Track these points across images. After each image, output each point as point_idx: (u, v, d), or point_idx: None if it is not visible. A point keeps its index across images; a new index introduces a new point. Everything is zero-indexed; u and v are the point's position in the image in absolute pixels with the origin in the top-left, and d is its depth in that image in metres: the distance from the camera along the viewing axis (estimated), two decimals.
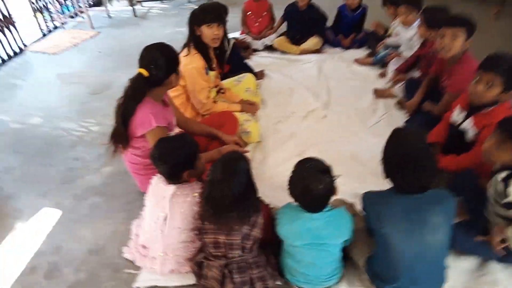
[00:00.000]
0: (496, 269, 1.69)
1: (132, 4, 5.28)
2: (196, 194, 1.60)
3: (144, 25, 5.01)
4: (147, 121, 1.85)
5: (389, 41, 3.43)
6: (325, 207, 1.52)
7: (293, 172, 1.51)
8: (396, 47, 3.36)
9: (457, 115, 2.04)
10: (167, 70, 1.89)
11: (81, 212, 2.23)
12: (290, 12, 3.84)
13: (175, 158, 1.58)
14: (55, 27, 4.98)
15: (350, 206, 1.86)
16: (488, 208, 1.60)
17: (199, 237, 1.57)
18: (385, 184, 1.85)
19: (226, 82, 2.94)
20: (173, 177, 1.63)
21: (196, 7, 2.50)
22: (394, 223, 1.39)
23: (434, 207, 1.38)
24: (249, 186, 1.50)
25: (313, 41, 3.84)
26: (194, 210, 1.59)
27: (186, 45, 2.47)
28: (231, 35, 3.86)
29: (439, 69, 2.52)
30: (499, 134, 1.52)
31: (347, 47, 3.88)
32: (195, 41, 2.43)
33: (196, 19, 2.39)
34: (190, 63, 2.38)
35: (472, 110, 1.93)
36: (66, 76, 3.85)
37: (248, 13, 3.98)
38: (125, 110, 1.88)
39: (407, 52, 3.16)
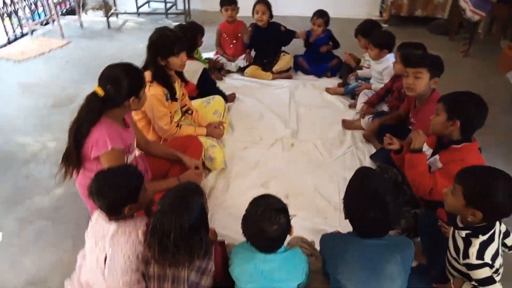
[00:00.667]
0: None
1: (107, 16, 5.16)
2: (140, 232, 1.49)
3: (117, 38, 4.90)
4: (102, 143, 1.74)
5: (360, 73, 3.46)
6: (280, 247, 1.45)
7: (247, 211, 1.43)
8: (367, 79, 3.39)
9: (425, 149, 2.03)
10: (127, 93, 1.78)
11: (25, 237, 2.08)
12: (254, 33, 3.82)
13: (114, 192, 1.45)
14: (23, 34, 4.79)
15: (308, 245, 1.80)
16: (447, 257, 1.56)
17: (143, 284, 1.46)
18: (344, 221, 1.83)
19: (195, 103, 2.87)
20: (112, 213, 1.51)
21: (173, 23, 2.43)
22: (351, 270, 1.34)
23: (393, 256, 1.33)
24: (201, 223, 1.41)
25: (284, 60, 3.83)
26: (138, 249, 1.47)
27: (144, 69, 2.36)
28: (205, 55, 3.84)
29: (408, 106, 2.53)
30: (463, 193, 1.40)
31: (319, 67, 3.89)
32: (156, 71, 2.32)
33: (162, 51, 2.29)
34: (148, 91, 2.26)
35: (438, 147, 1.94)
36: (28, 85, 3.68)
37: (223, 35, 3.95)
38: (78, 131, 1.77)
39: (377, 85, 3.18)
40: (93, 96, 1.77)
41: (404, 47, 2.71)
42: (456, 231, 1.46)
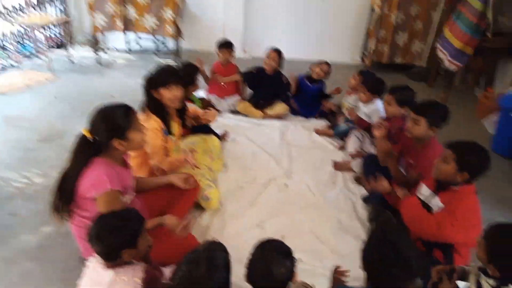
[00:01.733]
0: None
1: (96, 51, 5.20)
2: (138, 280, 1.44)
3: (107, 74, 4.92)
4: (102, 183, 1.71)
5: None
6: None
7: (253, 254, 1.43)
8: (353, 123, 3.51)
9: (423, 192, 2.08)
10: (106, 135, 1.75)
11: (10, 280, 1.97)
12: (257, 76, 3.93)
13: (113, 236, 1.41)
14: (11, 66, 4.75)
15: None
16: None
17: None
18: (344, 263, 1.83)
19: (192, 137, 2.91)
20: (110, 258, 1.45)
21: (163, 61, 2.48)
22: None
23: None
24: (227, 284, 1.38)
25: (280, 107, 3.93)
26: None
27: (140, 108, 2.39)
28: (197, 94, 3.90)
29: (404, 146, 2.59)
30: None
31: (310, 110, 4.00)
32: (153, 105, 2.35)
33: (154, 83, 2.33)
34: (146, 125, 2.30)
35: (437, 189, 2.00)
36: (14, 118, 3.61)
37: (215, 75, 4.04)
38: (68, 173, 1.76)
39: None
40: (81, 138, 1.77)
41: (396, 91, 2.80)
42: (484, 278, 1.46)
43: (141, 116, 2.32)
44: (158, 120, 2.33)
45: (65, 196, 1.77)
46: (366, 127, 3.18)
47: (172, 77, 2.35)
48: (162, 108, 2.38)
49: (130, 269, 1.48)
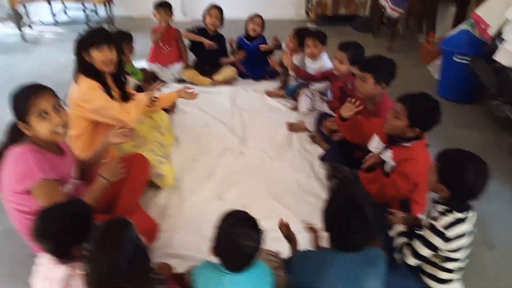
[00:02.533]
0: None
1: (20, 27, 4.68)
2: None
3: (34, 51, 4.48)
4: (29, 174, 1.55)
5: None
6: (249, 266, 1.40)
7: (220, 228, 1.35)
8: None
9: (376, 144, 2.10)
10: (13, 117, 1.60)
11: None
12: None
13: (61, 233, 1.30)
14: None
15: (274, 257, 1.76)
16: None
17: None
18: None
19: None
20: (61, 255, 1.35)
21: None
22: None
23: (369, 271, 1.33)
24: (141, 257, 1.27)
25: (228, 71, 3.78)
26: None
27: (74, 76, 2.20)
28: (137, 64, 3.65)
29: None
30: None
31: (257, 71, 3.89)
32: (85, 69, 2.16)
33: (84, 43, 2.14)
34: (82, 87, 2.12)
35: (390, 142, 2.01)
36: None
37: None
38: None
39: (316, 86, 3.25)
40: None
41: (348, 48, 2.75)
42: (433, 206, 1.53)
43: (79, 82, 2.14)
44: (95, 82, 2.15)
45: None
46: (315, 78, 3.15)
47: (103, 37, 2.16)
48: (96, 72, 2.18)
49: None
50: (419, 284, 1.58)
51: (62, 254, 1.34)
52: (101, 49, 2.13)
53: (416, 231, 1.57)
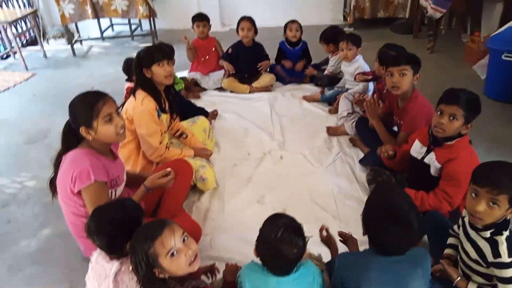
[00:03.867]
0: None
1: (70, 43, 5.00)
2: None
3: (84, 65, 4.76)
4: (85, 175, 1.65)
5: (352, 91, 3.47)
6: (293, 270, 1.40)
7: (263, 232, 1.36)
8: (342, 86, 3.45)
9: (418, 149, 2.04)
10: (76, 124, 1.71)
11: (16, 286, 1.94)
12: (236, 51, 3.81)
13: (115, 229, 1.37)
14: None
15: (318, 261, 1.76)
16: (461, 260, 1.57)
17: None
18: (348, 228, 1.82)
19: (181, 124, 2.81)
20: (114, 251, 1.42)
21: (140, 44, 2.41)
22: None
23: (413, 272, 1.31)
24: None
25: (266, 78, 3.83)
26: None
27: (134, 90, 2.35)
28: (179, 74, 3.79)
29: (388, 108, 2.58)
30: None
31: (296, 77, 3.93)
32: (144, 84, 2.32)
33: (145, 61, 2.30)
34: (140, 106, 2.26)
35: (432, 144, 1.95)
36: None
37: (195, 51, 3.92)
38: (57, 158, 1.78)
39: (354, 88, 3.22)
40: (66, 125, 1.78)
41: (383, 48, 2.76)
42: (474, 233, 1.45)
43: (136, 97, 2.30)
44: (153, 100, 2.31)
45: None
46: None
47: (164, 53, 2.32)
48: (154, 87, 2.35)
49: None
50: None
51: (115, 250, 1.42)
52: (161, 64, 2.29)
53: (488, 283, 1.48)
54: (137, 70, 2.33)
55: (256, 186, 2.54)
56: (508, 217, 1.38)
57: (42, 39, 5.09)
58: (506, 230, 1.38)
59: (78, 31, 5.36)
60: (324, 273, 1.63)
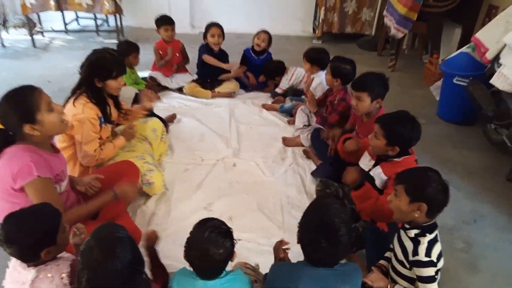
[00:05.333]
0: None
1: (31, 34, 4.82)
2: (64, 275, 1.35)
3: (44, 57, 4.60)
4: (26, 171, 1.58)
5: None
6: (222, 273, 1.40)
7: (192, 234, 1.38)
8: (301, 99, 3.49)
9: (366, 161, 2.11)
10: (15, 123, 1.62)
11: None
12: (205, 54, 3.78)
13: (25, 238, 1.29)
14: None
15: (252, 271, 1.76)
16: (391, 263, 1.64)
17: None
18: (292, 238, 1.81)
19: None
20: (27, 260, 1.35)
21: (105, 40, 2.34)
22: None
23: (344, 286, 1.33)
24: (138, 260, 1.31)
25: (231, 85, 3.83)
26: None
27: (75, 92, 2.23)
28: (140, 74, 3.73)
29: (354, 121, 2.63)
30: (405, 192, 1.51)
31: (253, 88, 3.97)
32: (92, 92, 2.22)
33: (100, 74, 2.21)
34: (80, 114, 2.16)
35: (380, 159, 2.01)
36: None
37: (160, 54, 3.86)
38: None
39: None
40: None
41: (334, 61, 2.82)
42: (403, 232, 1.55)
43: (76, 103, 2.19)
44: (95, 107, 2.21)
45: None
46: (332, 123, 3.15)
47: (120, 68, 2.28)
48: (103, 96, 2.28)
49: (54, 265, 1.38)
50: None
51: (30, 258, 1.35)
52: (118, 79, 2.27)
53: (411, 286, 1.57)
54: (88, 78, 2.21)
55: (206, 193, 2.52)
56: (431, 223, 1.51)
57: (1, 27, 4.88)
58: (430, 234, 1.49)
59: (40, 22, 5.18)
60: (257, 284, 1.64)
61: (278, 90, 3.77)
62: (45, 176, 1.63)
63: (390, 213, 1.87)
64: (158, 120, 2.89)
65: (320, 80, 3.18)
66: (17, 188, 1.62)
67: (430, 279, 1.47)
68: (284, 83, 3.73)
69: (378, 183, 1.98)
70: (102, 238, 1.21)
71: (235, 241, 1.40)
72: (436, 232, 1.51)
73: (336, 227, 1.30)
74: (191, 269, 1.40)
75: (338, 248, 1.31)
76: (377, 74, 2.35)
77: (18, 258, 1.35)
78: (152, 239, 1.70)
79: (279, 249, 1.72)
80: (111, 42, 2.23)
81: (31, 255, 1.34)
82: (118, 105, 2.49)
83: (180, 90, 3.89)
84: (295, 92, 3.72)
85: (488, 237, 2.27)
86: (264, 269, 1.71)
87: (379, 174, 1.97)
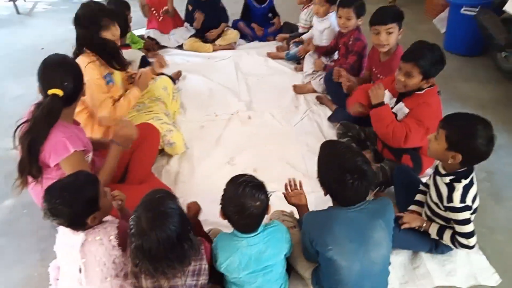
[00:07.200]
0: (427, 260, 1.76)
1: None
2: (112, 237, 1.38)
3: (30, 24, 4.38)
4: (62, 147, 1.59)
5: (305, 36, 3.42)
6: (259, 226, 1.44)
7: (226, 191, 1.40)
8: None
9: (387, 100, 2.09)
10: (80, 83, 1.70)
11: None
12: (195, 7, 3.63)
13: (71, 208, 1.31)
14: None
15: (289, 217, 1.81)
16: (426, 203, 1.68)
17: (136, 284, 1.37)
18: (315, 184, 1.86)
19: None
20: (75, 227, 1.38)
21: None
22: (340, 244, 1.35)
23: (376, 222, 1.37)
24: (185, 226, 1.32)
25: (231, 35, 3.71)
26: (113, 254, 1.38)
27: (77, 52, 2.15)
28: (137, 32, 3.59)
29: (371, 64, 2.58)
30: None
31: (261, 38, 3.84)
32: (97, 47, 2.14)
33: (96, 24, 2.12)
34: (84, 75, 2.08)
35: (401, 95, 2.01)
36: None
37: (150, 9, 3.69)
38: (35, 138, 1.59)
39: (320, 44, 3.18)
40: (53, 99, 1.59)
41: (350, 2, 2.69)
42: (439, 177, 1.56)
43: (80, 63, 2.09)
44: (96, 67, 2.12)
45: (32, 164, 1.61)
46: (324, 51, 3.09)
47: (109, 16, 2.16)
48: (105, 49, 2.17)
49: (102, 228, 1.41)
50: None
51: (78, 226, 1.38)
52: (108, 29, 2.15)
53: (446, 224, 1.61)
54: (88, 32, 2.11)
55: (226, 148, 2.52)
56: (467, 168, 1.50)
57: None
58: (465, 179, 1.49)
59: None
60: (294, 229, 1.70)
61: (300, 29, 3.62)
62: (80, 150, 1.64)
63: (399, 141, 1.91)
64: (166, 77, 2.82)
65: (330, 24, 3.07)
66: (52, 165, 1.62)
67: (465, 222, 1.50)
68: (305, 18, 3.56)
69: (400, 118, 1.99)
70: (150, 208, 1.25)
71: (269, 194, 1.43)
72: (472, 175, 1.51)
73: (358, 162, 1.33)
74: (228, 232, 1.45)
75: (365, 181, 1.33)
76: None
77: (66, 226, 1.37)
78: (195, 210, 1.71)
79: (300, 193, 1.77)
80: (99, 1, 2.11)
81: (79, 223, 1.37)
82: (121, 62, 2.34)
83: (180, 47, 3.77)
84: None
85: (508, 166, 2.33)
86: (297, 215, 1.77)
87: (401, 109, 1.99)
